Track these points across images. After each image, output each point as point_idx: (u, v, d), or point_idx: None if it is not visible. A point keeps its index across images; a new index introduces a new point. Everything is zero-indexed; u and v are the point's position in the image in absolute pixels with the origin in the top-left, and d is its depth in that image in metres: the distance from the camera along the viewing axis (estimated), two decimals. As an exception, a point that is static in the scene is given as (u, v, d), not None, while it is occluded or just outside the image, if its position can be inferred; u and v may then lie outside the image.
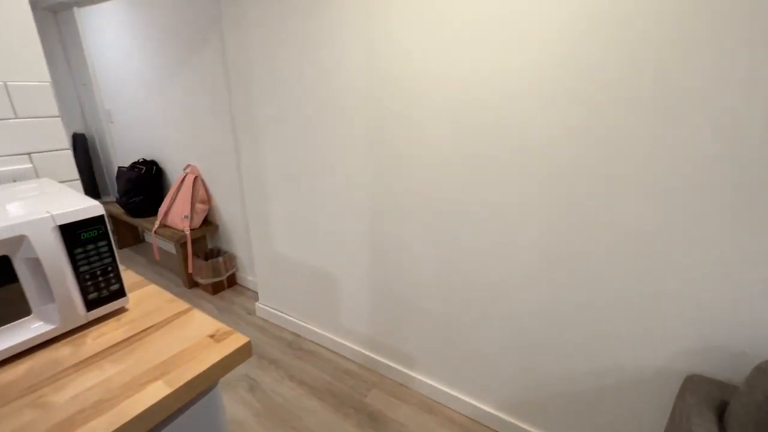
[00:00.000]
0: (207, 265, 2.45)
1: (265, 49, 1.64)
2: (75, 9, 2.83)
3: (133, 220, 2.74)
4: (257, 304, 2.31)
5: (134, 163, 2.81)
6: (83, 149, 3.54)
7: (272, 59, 1.64)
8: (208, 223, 2.65)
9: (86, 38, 2.91)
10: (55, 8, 3.15)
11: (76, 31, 2.99)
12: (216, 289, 2.55)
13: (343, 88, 1.48)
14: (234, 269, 2.62)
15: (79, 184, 0.98)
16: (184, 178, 2.55)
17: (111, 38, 2.73)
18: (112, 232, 3.14)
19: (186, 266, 2.50)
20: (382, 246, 1.61)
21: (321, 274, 1.89)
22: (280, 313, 2.18)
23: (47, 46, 3.44)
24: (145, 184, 2.72)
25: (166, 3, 2.24)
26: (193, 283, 2.60)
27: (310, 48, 1.51)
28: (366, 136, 1.49)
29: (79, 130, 3.65)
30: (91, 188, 3.40)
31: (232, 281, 2.64)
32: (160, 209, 2.57)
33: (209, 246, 2.73)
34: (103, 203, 2.87)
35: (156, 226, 2.53)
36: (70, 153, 0.96)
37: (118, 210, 2.85)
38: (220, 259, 2.51)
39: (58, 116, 0.93)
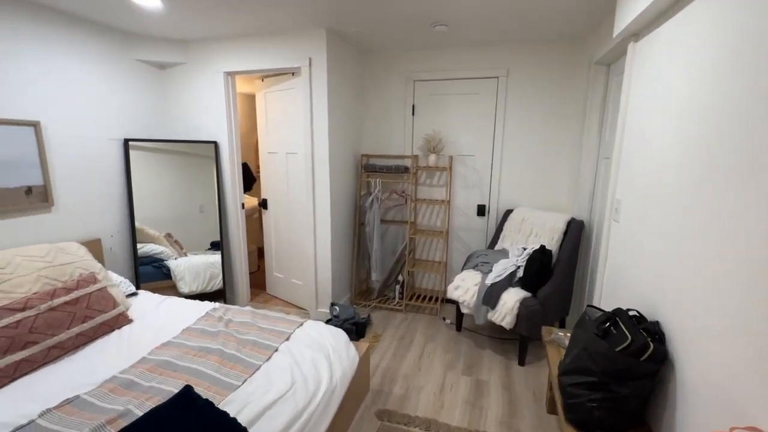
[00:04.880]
0: None
1: None
2: (631, 44, 1.76)
3: None
4: None
5: (618, 314, 1.38)
6: (573, 241, 2.57)
7: None
8: None
9: (630, 88, 1.77)
10: (610, 60, 2.28)
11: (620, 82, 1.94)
12: None
13: None
14: None
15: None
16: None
17: (661, 82, 1.41)
18: None
19: None
20: None
21: None
22: None
23: (579, 108, 2.70)
24: (619, 377, 1.24)
25: None
26: None
27: None
28: None
29: (581, 215, 2.70)
30: (556, 314, 2.37)
31: None
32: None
33: None
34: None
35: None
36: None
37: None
38: None
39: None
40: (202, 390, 1.42)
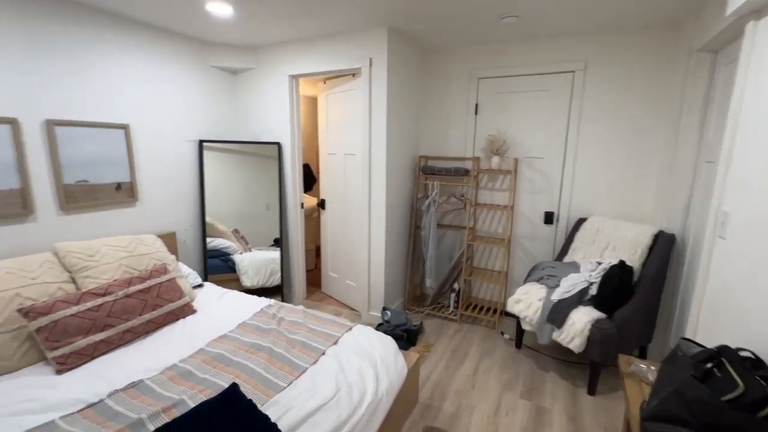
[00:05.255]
0: None
1: None
2: (750, 24, 1.44)
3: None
4: None
5: (724, 353, 1.12)
6: (660, 258, 2.22)
7: None
8: None
9: (747, 77, 1.46)
10: (718, 45, 1.92)
11: (734, 71, 1.62)
12: None
13: None
14: None
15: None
16: None
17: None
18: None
19: None
20: None
21: None
22: None
23: (674, 103, 2.32)
24: None
25: None
26: None
27: None
28: None
29: (672, 228, 2.33)
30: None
31: None
32: None
33: None
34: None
35: None
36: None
37: None
38: None
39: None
40: (249, 388, 1.44)
